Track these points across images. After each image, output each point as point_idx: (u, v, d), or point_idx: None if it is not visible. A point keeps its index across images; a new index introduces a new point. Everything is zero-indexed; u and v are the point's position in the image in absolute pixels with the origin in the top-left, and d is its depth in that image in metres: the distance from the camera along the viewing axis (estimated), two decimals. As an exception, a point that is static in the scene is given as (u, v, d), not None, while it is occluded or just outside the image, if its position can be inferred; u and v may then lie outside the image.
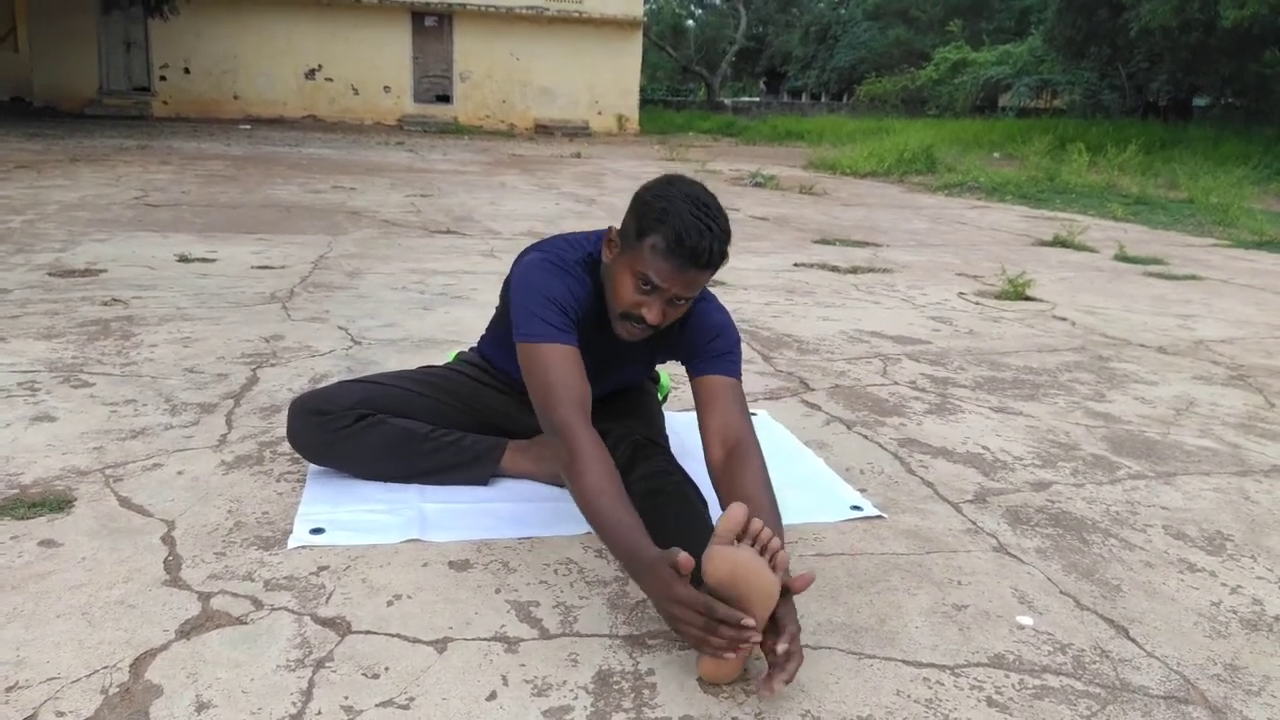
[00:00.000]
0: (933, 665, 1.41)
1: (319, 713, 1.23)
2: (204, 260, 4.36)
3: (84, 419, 2.25)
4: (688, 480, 1.75)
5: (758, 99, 40.06)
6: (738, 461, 1.61)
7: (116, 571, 1.55)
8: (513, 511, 1.85)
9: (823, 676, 1.36)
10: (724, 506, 1.55)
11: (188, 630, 1.40)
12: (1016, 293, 4.44)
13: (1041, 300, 4.40)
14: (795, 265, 5.18)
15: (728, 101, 35.25)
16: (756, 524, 1.33)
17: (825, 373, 3.00)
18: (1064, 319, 4.02)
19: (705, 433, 1.68)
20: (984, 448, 2.36)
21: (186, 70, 20.37)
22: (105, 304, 3.41)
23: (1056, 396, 2.84)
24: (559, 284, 1.71)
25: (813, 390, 2.80)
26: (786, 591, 1.34)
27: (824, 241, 6.15)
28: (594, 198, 8.24)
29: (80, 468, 1.97)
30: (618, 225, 1.70)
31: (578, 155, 14.12)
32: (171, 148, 11.65)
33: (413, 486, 1.93)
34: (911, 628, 1.51)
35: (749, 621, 1.27)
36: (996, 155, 15.19)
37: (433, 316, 3.48)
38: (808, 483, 2.08)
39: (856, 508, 1.96)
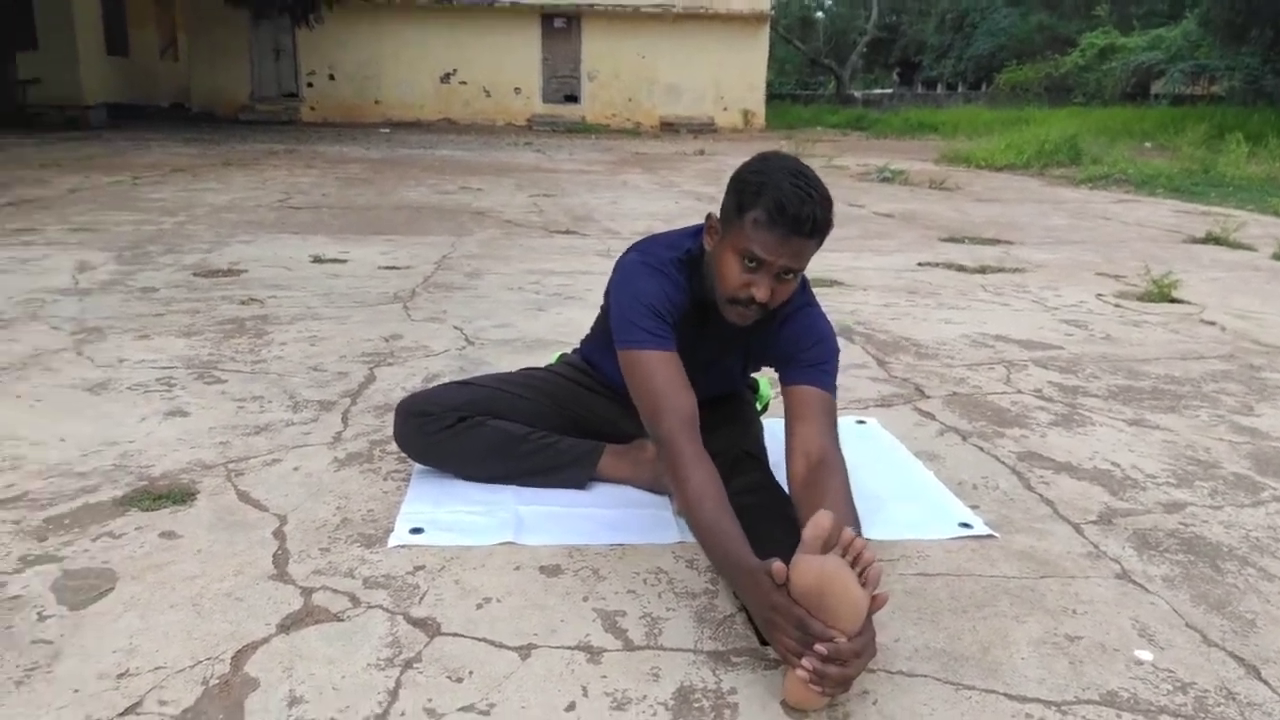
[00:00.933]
0: (1038, 700, 1.32)
1: (402, 714, 1.25)
2: (336, 261, 4.55)
3: (213, 414, 2.37)
4: (782, 496, 1.71)
5: (890, 91, 39.02)
6: (820, 477, 1.56)
7: (228, 564, 1.63)
8: (607, 517, 1.84)
9: (915, 707, 1.30)
10: (803, 522, 1.50)
11: (288, 625, 1.45)
12: (1161, 294, 4.17)
13: (1189, 303, 4.11)
14: (919, 265, 5.01)
15: (858, 94, 34.48)
16: (849, 533, 1.28)
17: (943, 379, 2.88)
18: (1213, 323, 3.74)
19: (789, 445, 1.63)
20: (1113, 464, 2.22)
21: (331, 76, 21.35)
22: (242, 303, 3.59)
23: (1199, 409, 2.64)
24: (655, 287, 1.70)
25: (928, 398, 2.69)
26: None
27: (952, 239, 5.92)
28: (714, 195, 8.17)
29: (206, 461, 2.07)
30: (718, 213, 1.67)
31: (701, 152, 14.09)
32: (316, 152, 12.22)
33: (510, 488, 1.95)
34: (1017, 658, 1.42)
35: (843, 640, 1.23)
36: (1147, 145, 14.35)
37: (545, 317, 3.53)
38: (915, 496, 2.00)
39: (966, 525, 1.87)
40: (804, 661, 1.23)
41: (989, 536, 1.83)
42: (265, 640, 1.41)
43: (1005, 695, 1.33)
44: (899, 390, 2.76)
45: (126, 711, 1.23)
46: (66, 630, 1.41)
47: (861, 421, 2.46)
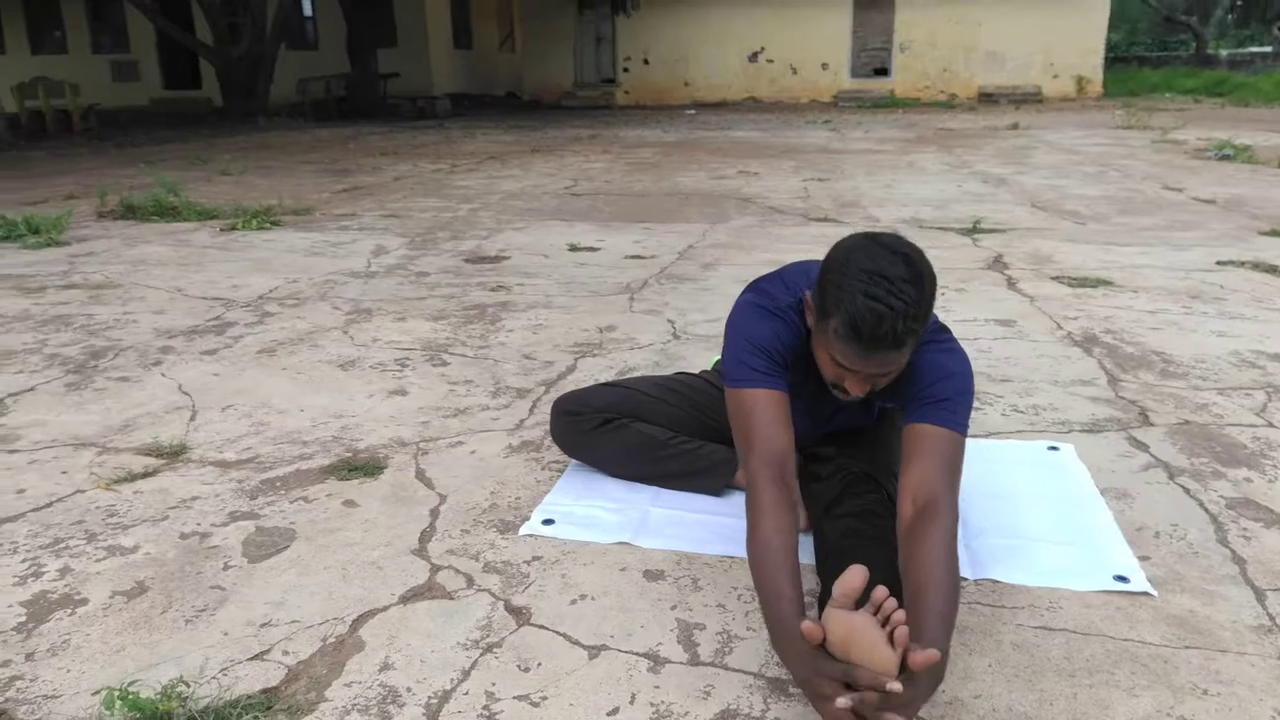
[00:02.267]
0: (1106, 786, 1.21)
1: (466, 693, 1.39)
2: (590, 250, 4.83)
3: (427, 395, 2.66)
4: (889, 527, 1.64)
5: (1269, 49, 33.82)
6: (923, 524, 1.48)
7: (383, 536, 1.86)
8: (728, 527, 1.87)
9: None
10: (903, 568, 1.45)
11: (408, 597, 1.64)
12: None
13: None
14: (1218, 263, 4.41)
15: (1224, 54, 30.25)
16: (880, 592, 1.24)
17: (1180, 404, 2.57)
18: None
19: (900, 486, 1.57)
20: (1351, 522, 1.89)
21: (646, 61, 22.24)
22: (492, 290, 3.94)
23: None
24: (767, 329, 1.69)
25: (1150, 425, 2.42)
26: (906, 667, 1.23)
27: (1276, 233, 5.14)
28: (1006, 177, 7.66)
29: (404, 439, 2.35)
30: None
31: (1014, 126, 13.13)
32: (617, 136, 12.86)
33: (651, 489, 2.03)
34: (1107, 734, 1.30)
35: (893, 685, 1.19)
36: None
37: (762, 313, 3.54)
38: (1075, 539, 1.84)
39: (1122, 578, 1.69)
40: (833, 704, 1.21)
41: (1144, 594, 1.65)
42: (385, 609, 1.61)
43: (1068, 774, 1.23)
44: (1118, 414, 2.50)
45: (254, 657, 1.47)
46: (240, 580, 1.70)
47: (1054, 448, 2.27)
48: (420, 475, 2.14)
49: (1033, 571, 1.72)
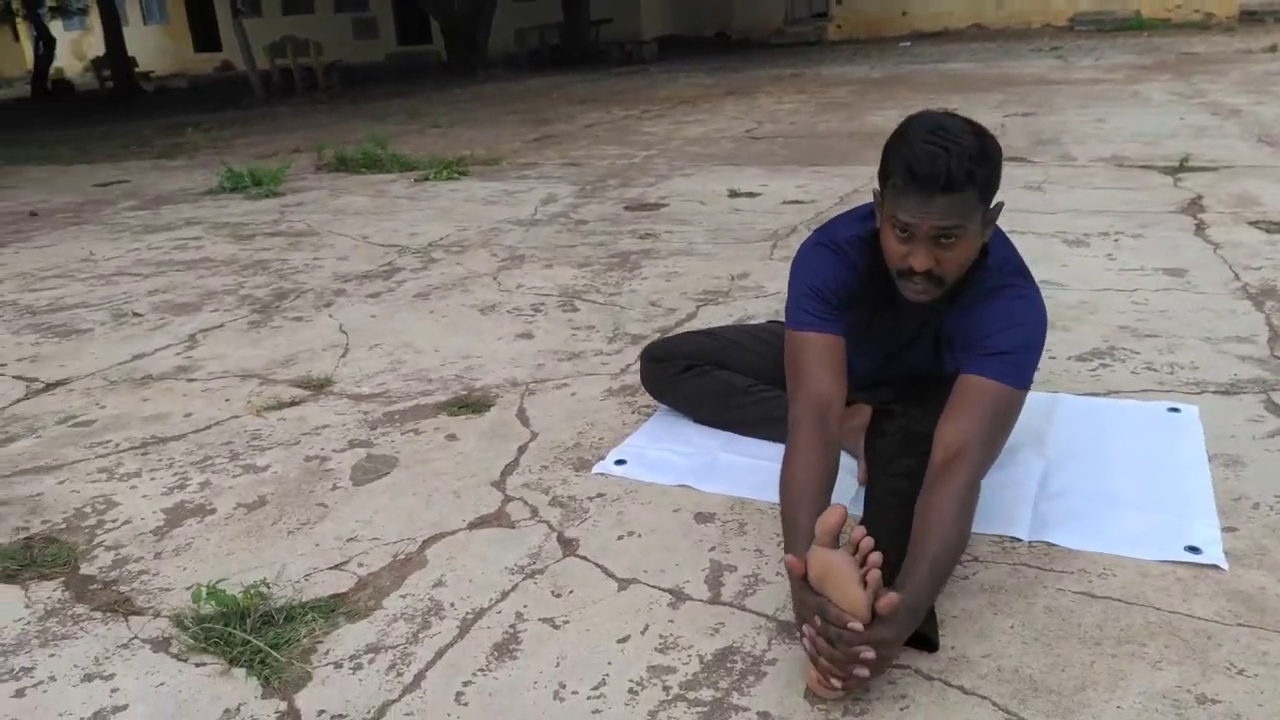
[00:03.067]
0: (1087, 754, 1.18)
1: (498, 612, 1.53)
2: (749, 195, 4.83)
3: (550, 339, 2.83)
4: None
5: None
6: (944, 473, 1.47)
7: (471, 468, 2.03)
8: (765, 471, 1.89)
9: None
10: (915, 514, 1.46)
11: (476, 524, 1.81)
12: None
13: None
14: None
15: None
16: (859, 533, 1.26)
17: (1348, 365, 2.31)
18: None
19: (936, 435, 1.55)
20: None
21: (861, -9, 21.36)
22: (641, 237, 4.06)
23: None
24: (824, 269, 1.71)
25: (1301, 388, 2.20)
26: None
27: None
28: (1241, 108, 6.86)
29: (517, 380, 2.52)
30: None
31: (1273, 49, 11.64)
32: (819, 74, 12.51)
33: (725, 435, 2.09)
34: (1110, 707, 1.26)
35: (854, 624, 1.23)
36: None
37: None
38: (1156, 506, 1.73)
39: (1194, 549, 1.59)
40: (806, 636, 1.26)
41: (1212, 567, 1.55)
42: (453, 533, 1.78)
43: (1047, 739, 1.21)
44: (1266, 374, 2.29)
45: (333, 567, 1.69)
46: (341, 500, 1.93)
47: (1175, 409, 2.12)
48: (520, 414, 2.30)
49: (1095, 537, 1.65)
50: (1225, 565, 1.55)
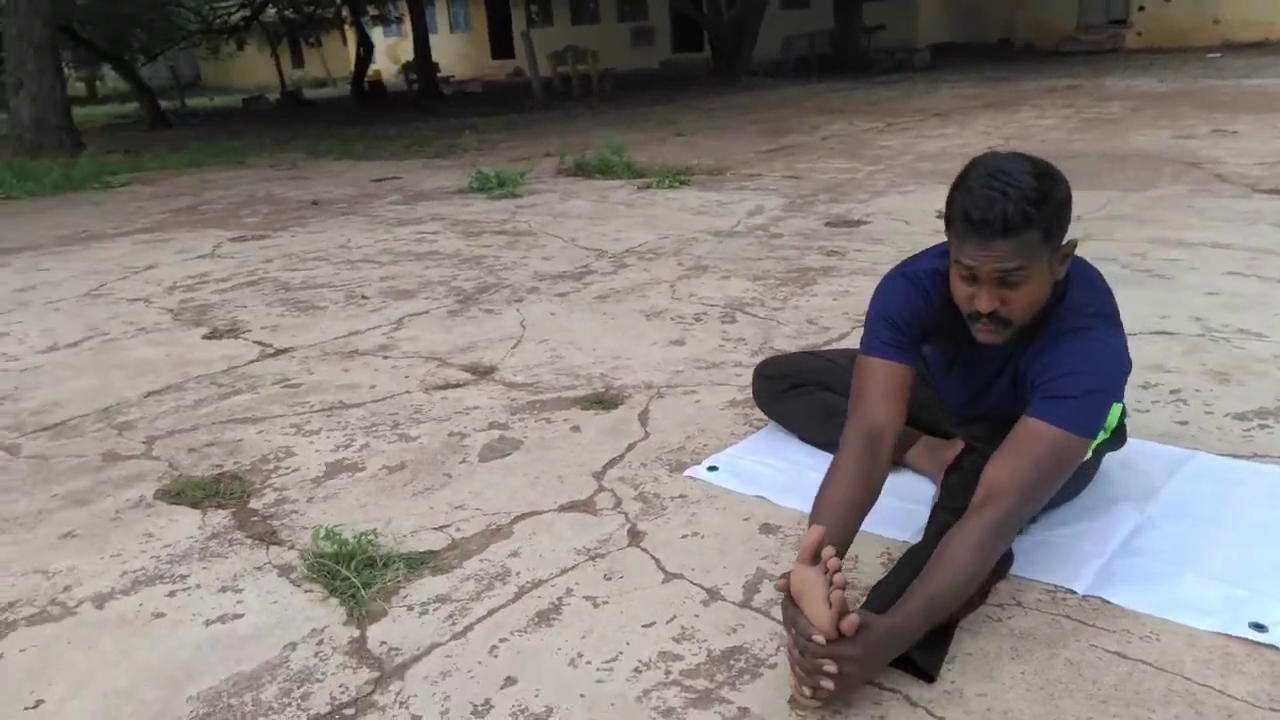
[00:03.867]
0: (1033, 799, 1.20)
1: (553, 585, 1.73)
2: (959, 216, 4.70)
3: (698, 348, 2.99)
4: None
5: None
6: (973, 511, 1.49)
7: (580, 458, 2.25)
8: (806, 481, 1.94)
9: None
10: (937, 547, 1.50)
11: (565, 507, 2.02)
12: None
13: None
14: None
15: None
16: (828, 552, 1.34)
17: None
18: None
19: (983, 474, 1.56)
20: None
21: (1168, -2, 19.58)
22: (827, 254, 4.11)
23: None
24: (899, 298, 1.76)
25: None
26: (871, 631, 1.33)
27: None
28: None
29: (653, 384, 2.71)
30: None
31: None
32: (1101, 87, 11.67)
33: (821, 454, 2.16)
34: (1084, 760, 1.26)
35: (817, 637, 1.32)
36: None
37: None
38: (1242, 578, 1.63)
39: (1259, 626, 1.50)
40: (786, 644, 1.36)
41: (1272, 647, 1.46)
42: (543, 513, 2.00)
43: (998, 778, 1.24)
44: None
45: (437, 528, 1.95)
46: (465, 473, 2.20)
47: (1304, 472, 1.95)
48: (642, 414, 2.48)
49: (1155, 599, 1.59)
50: (1283, 646, 1.46)
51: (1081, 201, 4.65)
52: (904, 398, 1.71)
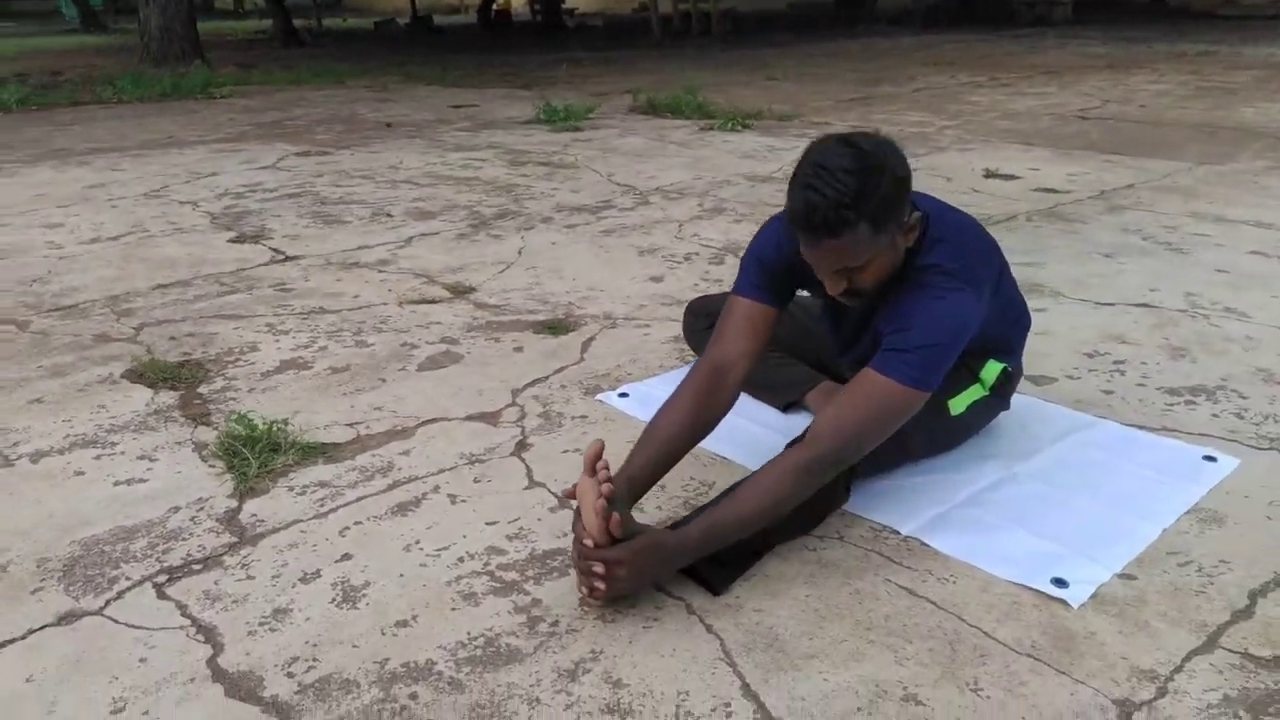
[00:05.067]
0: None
1: (424, 482, 1.87)
2: (1006, 177, 4.58)
3: (674, 285, 3.05)
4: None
5: None
6: (785, 451, 1.57)
7: (508, 375, 2.37)
8: (748, 432, 2.01)
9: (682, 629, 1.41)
10: None
11: (471, 416, 2.15)
12: None
13: None
14: None
15: None
16: (601, 464, 1.43)
17: None
18: None
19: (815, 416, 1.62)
20: None
21: (1352, -45, 17.86)
22: (850, 204, 4.06)
23: None
24: (771, 242, 1.79)
25: None
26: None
27: None
28: None
29: (611, 314, 2.80)
30: None
31: None
32: (1239, 54, 10.85)
33: (729, 392, 2.23)
34: (818, 678, 1.33)
35: (586, 540, 1.43)
36: None
37: (1108, 268, 3.19)
38: (1066, 537, 1.65)
39: (1061, 582, 1.53)
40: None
41: (1062, 602, 1.49)
42: (448, 419, 2.14)
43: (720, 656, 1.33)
44: (1381, 447, 1.96)
45: (349, 424, 2.12)
46: (399, 379, 2.36)
47: (1211, 458, 1.92)
48: (587, 342, 2.59)
49: (970, 548, 1.63)
50: (1075, 604, 1.48)
51: (1145, 170, 4.50)
52: (759, 336, 1.76)
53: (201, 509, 1.78)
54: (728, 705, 1.29)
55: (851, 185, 1.47)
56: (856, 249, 1.53)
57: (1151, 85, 8.05)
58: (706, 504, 1.66)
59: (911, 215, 1.61)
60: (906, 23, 16.68)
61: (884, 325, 1.67)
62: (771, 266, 1.78)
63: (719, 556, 1.54)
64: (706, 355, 1.75)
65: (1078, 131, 5.84)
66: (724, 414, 1.74)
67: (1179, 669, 1.34)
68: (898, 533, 1.68)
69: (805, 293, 1.89)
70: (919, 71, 9.50)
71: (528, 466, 1.93)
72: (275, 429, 2.02)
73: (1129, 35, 13.48)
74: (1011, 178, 4.56)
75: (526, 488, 1.85)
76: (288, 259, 3.39)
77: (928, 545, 1.65)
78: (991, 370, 1.91)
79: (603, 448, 1.47)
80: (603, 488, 1.42)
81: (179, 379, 2.35)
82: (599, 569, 1.42)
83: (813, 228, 1.51)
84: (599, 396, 2.25)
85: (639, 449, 1.64)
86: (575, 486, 1.49)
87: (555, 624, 1.46)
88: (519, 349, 2.55)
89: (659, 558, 1.46)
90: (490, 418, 2.15)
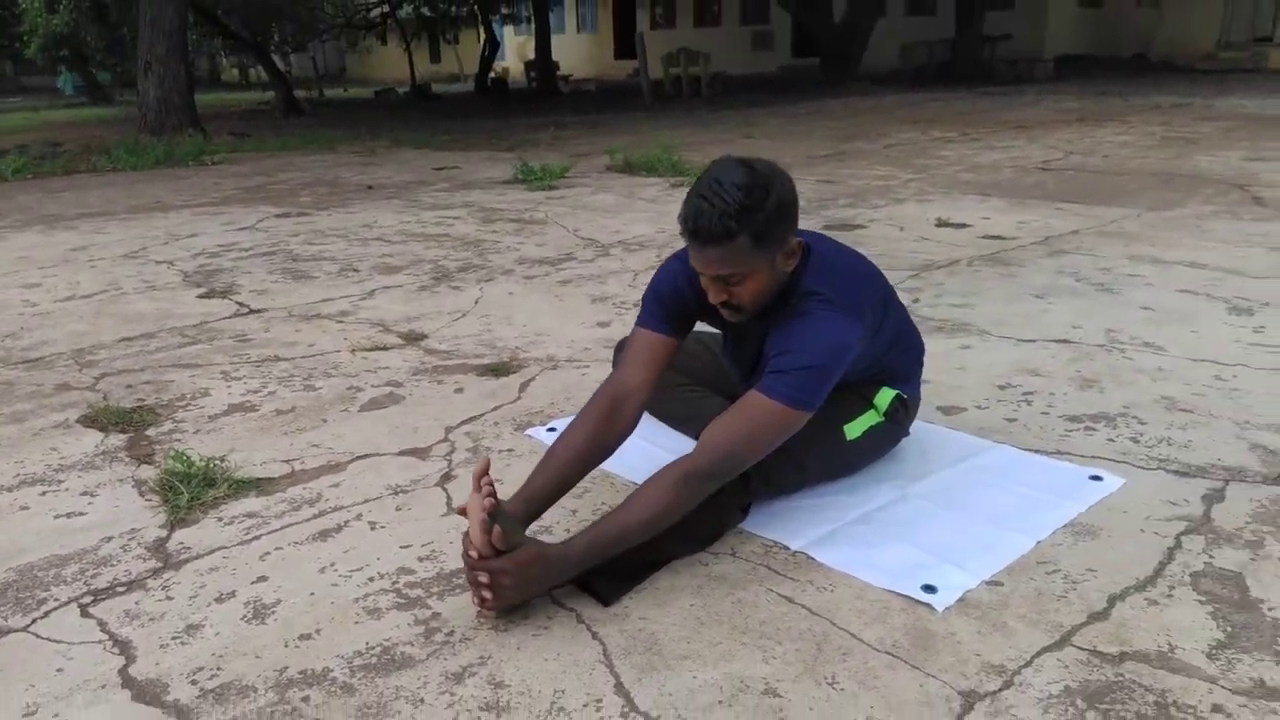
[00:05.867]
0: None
1: (349, 511, 1.97)
2: (957, 226, 4.73)
3: (620, 330, 3.16)
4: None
5: None
6: (667, 467, 1.66)
7: (446, 413, 2.48)
8: (649, 456, 2.10)
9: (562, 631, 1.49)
10: None
11: (404, 451, 2.26)
12: None
13: None
14: None
15: None
16: (486, 479, 1.54)
17: (1381, 473, 2.00)
18: None
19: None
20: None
21: (1320, 14, 18.35)
22: (802, 253, 4.21)
23: None
24: (667, 278, 1.93)
25: (1269, 484, 1.97)
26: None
27: None
28: None
29: (554, 357, 2.92)
30: None
31: None
32: (1210, 107, 11.12)
33: (654, 424, 2.32)
34: (687, 676, 1.42)
35: (472, 551, 1.54)
36: None
37: (1023, 308, 3.32)
38: (941, 549, 1.74)
39: (930, 588, 1.62)
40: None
41: (928, 606, 1.58)
42: (380, 455, 2.24)
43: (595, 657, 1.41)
44: (1263, 466, 2.05)
45: (284, 460, 2.23)
46: (339, 419, 2.47)
47: (1097, 477, 2.01)
48: (526, 383, 2.70)
49: (851, 560, 1.72)
50: (940, 608, 1.57)
51: (1093, 216, 4.65)
52: (658, 365, 1.88)
53: (133, 538, 1.88)
54: (599, 701, 1.38)
55: (738, 200, 1.62)
56: (736, 259, 1.66)
57: (1118, 137, 8.27)
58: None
59: (793, 241, 1.74)
60: (895, 82, 17.09)
61: (769, 350, 1.78)
62: (668, 300, 1.90)
63: (612, 570, 1.63)
64: (606, 382, 1.87)
65: (1036, 182, 6.02)
66: (622, 438, 1.84)
67: (1028, 664, 1.43)
68: (787, 548, 1.78)
69: (705, 326, 2.01)
70: (894, 129, 9.76)
71: (449, 495, 2.03)
72: (211, 465, 2.13)
73: (1106, 89, 13.83)
74: (963, 226, 4.72)
75: (444, 515, 1.95)
76: (251, 312, 3.53)
77: (814, 559, 1.74)
78: (885, 397, 2.02)
79: (489, 464, 1.58)
80: (485, 502, 1.52)
81: (129, 423, 2.46)
82: (484, 579, 1.51)
83: (698, 233, 1.65)
84: (528, 431, 2.35)
85: (538, 471, 1.75)
86: (466, 504, 1.60)
87: (451, 634, 1.55)
88: (459, 390, 2.66)
89: (543, 567, 1.55)
90: (421, 453, 2.26)
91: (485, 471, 1.57)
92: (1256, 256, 3.86)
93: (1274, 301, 3.23)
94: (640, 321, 1.92)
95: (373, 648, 1.52)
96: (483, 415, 2.47)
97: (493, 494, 1.54)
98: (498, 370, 2.81)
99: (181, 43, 10.78)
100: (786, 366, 1.72)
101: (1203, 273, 3.64)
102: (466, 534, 1.57)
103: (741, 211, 1.62)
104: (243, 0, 18.20)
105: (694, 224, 1.64)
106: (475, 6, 24.09)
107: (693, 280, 1.89)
